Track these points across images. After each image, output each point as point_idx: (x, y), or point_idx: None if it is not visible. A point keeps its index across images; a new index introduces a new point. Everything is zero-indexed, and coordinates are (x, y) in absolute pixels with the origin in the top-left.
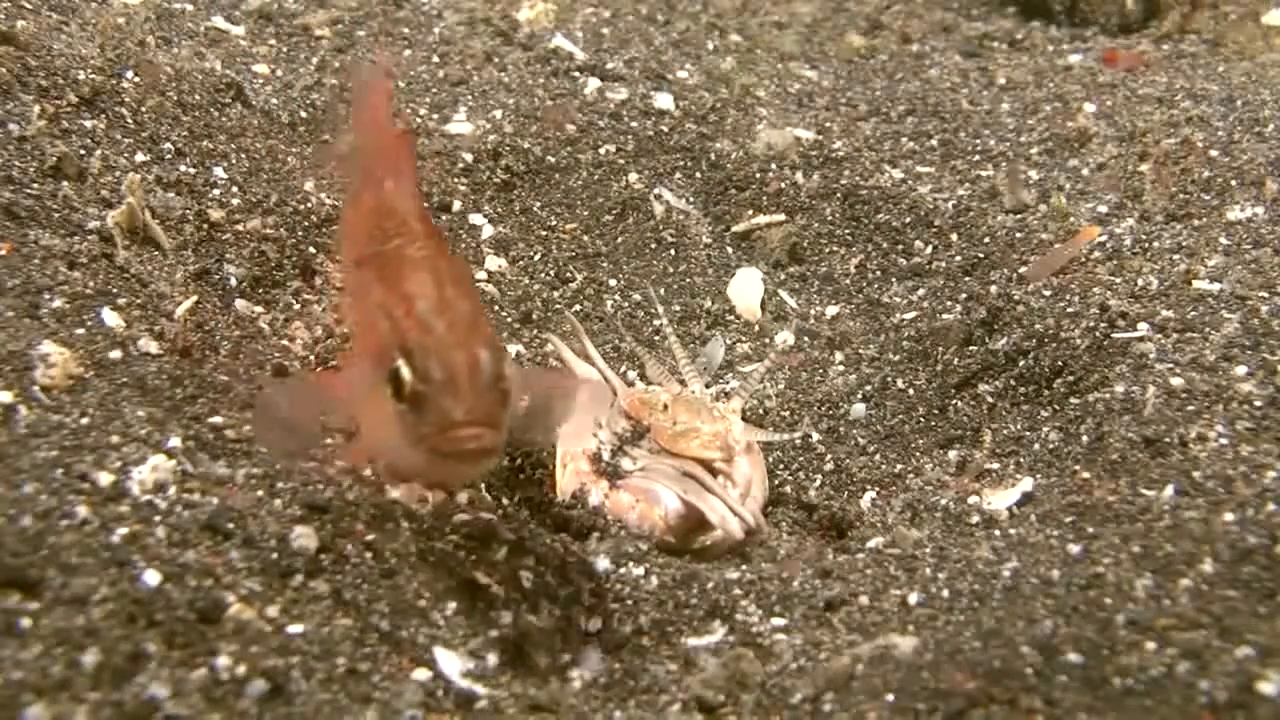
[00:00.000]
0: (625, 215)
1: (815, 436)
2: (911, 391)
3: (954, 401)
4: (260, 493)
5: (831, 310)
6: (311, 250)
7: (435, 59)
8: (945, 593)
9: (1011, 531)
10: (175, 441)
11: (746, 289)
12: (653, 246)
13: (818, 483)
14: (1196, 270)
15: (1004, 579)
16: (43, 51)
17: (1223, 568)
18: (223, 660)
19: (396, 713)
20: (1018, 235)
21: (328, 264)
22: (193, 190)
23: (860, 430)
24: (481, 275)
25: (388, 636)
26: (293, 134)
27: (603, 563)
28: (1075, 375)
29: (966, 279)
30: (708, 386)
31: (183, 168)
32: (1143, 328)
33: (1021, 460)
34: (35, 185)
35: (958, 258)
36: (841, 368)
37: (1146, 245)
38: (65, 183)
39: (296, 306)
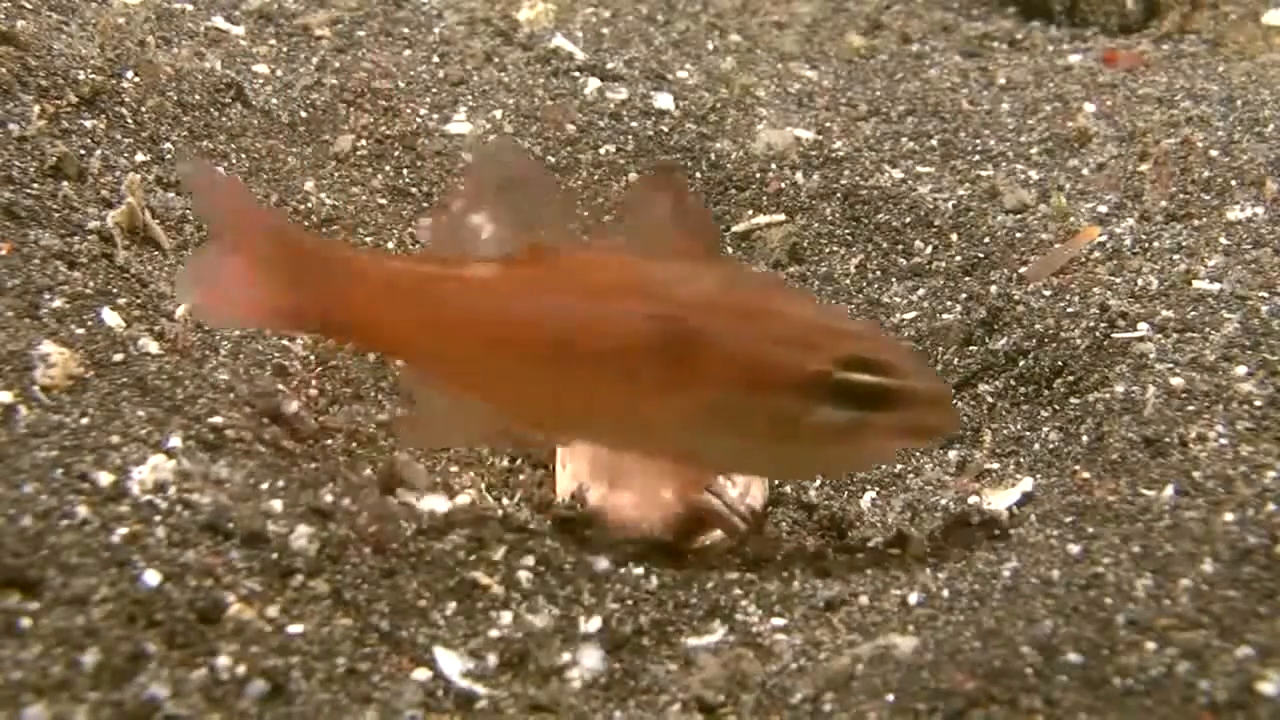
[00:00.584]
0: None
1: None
2: None
3: (954, 401)
4: (260, 493)
5: None
6: None
7: (435, 59)
8: (945, 593)
9: (1011, 531)
10: (175, 441)
11: None
12: None
13: (817, 482)
14: (1196, 270)
15: (1004, 579)
16: (43, 51)
17: (1223, 568)
18: (223, 660)
19: (396, 713)
20: (1018, 235)
21: None
22: None
23: None
24: None
25: (388, 636)
26: (293, 134)
27: (602, 563)
28: (1075, 375)
29: (966, 279)
30: None
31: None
32: (1143, 328)
33: (1021, 460)
34: (35, 185)
35: (958, 258)
36: None
37: (1146, 245)
38: (65, 183)
39: None
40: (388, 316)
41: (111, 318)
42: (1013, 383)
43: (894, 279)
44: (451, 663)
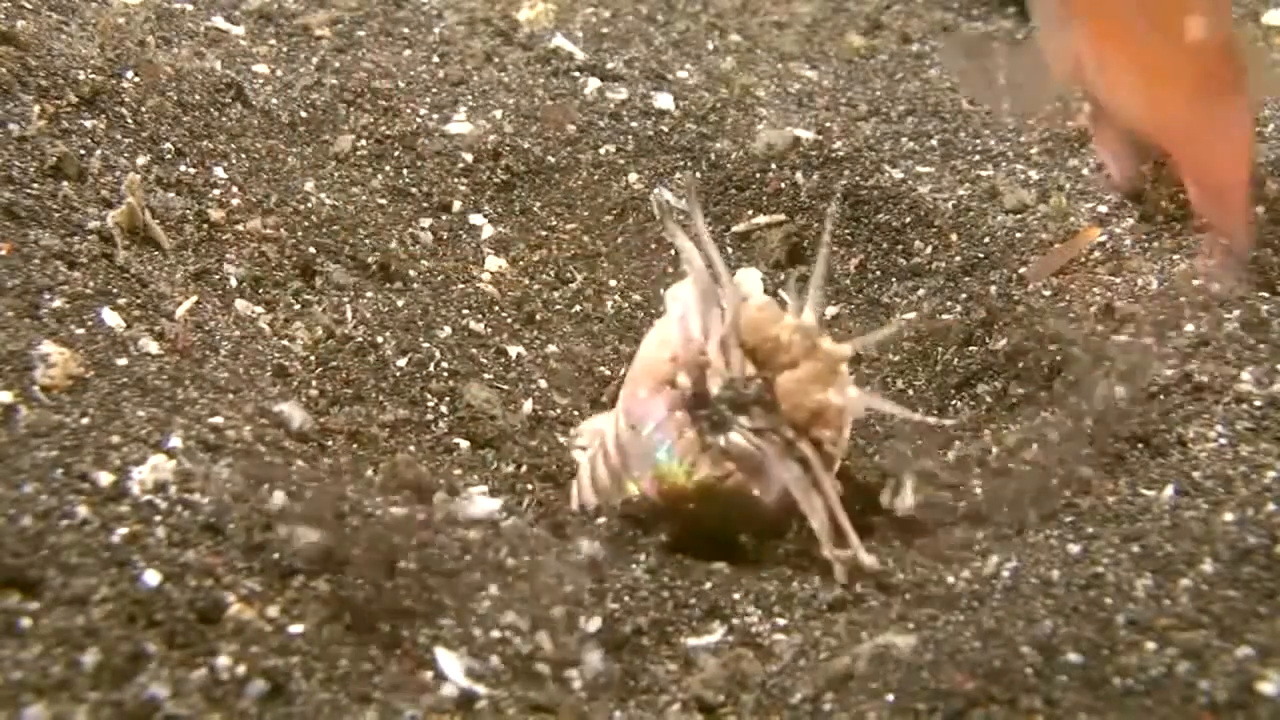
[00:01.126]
0: (625, 215)
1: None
2: (911, 391)
3: (954, 401)
4: (261, 493)
5: (831, 310)
6: (311, 250)
7: (435, 59)
8: (945, 593)
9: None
10: (175, 441)
11: (746, 289)
12: (653, 247)
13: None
14: (1196, 270)
15: (1004, 579)
16: (43, 51)
17: (1223, 568)
18: (223, 660)
19: (397, 713)
20: (1018, 235)
21: (327, 264)
22: (193, 190)
23: (859, 429)
24: (482, 275)
25: (388, 636)
26: (293, 134)
27: (601, 560)
28: (1075, 375)
29: (966, 279)
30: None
31: (183, 168)
32: (1143, 327)
33: (1022, 460)
34: (35, 185)
35: (958, 258)
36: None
37: (1146, 245)
38: (65, 183)
39: (296, 306)
40: None
41: (111, 318)
42: (1013, 383)
43: (894, 279)
44: (452, 663)
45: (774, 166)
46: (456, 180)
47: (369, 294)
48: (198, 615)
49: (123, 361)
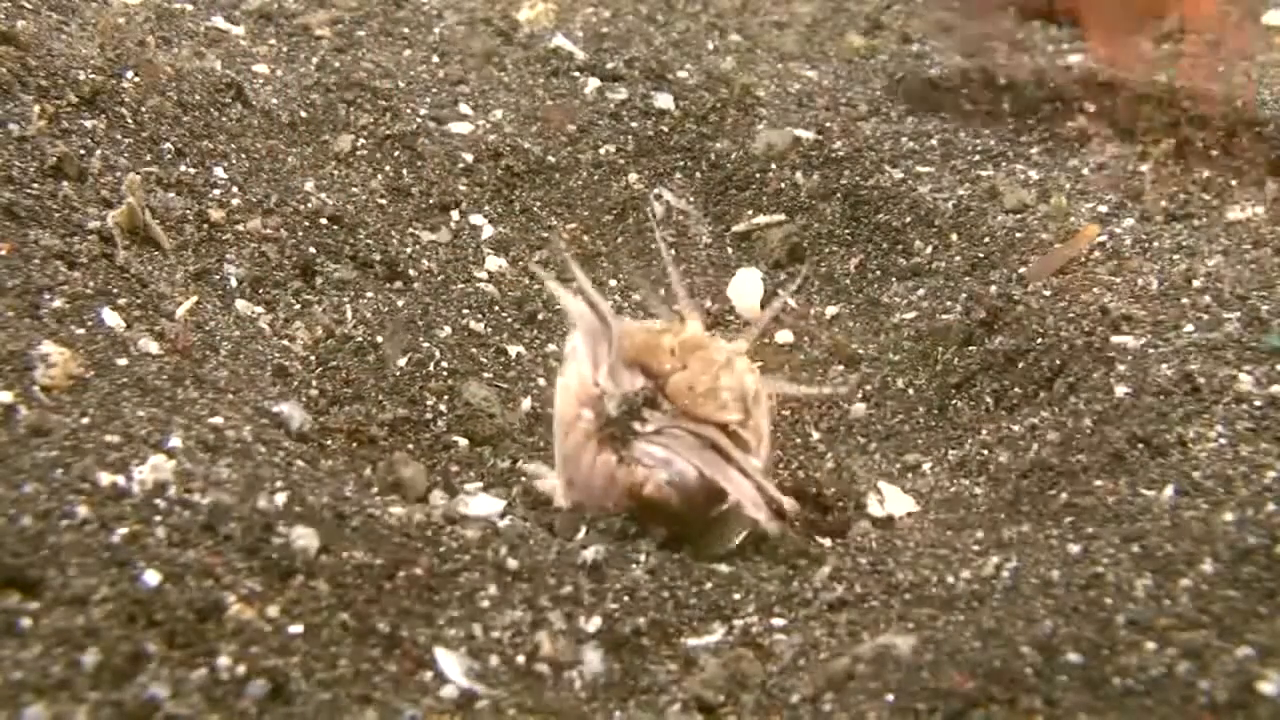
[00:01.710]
0: (625, 215)
1: (813, 392)
2: (911, 391)
3: (954, 401)
4: (261, 492)
5: (831, 310)
6: (311, 250)
7: (435, 59)
8: (945, 593)
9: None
10: (175, 441)
11: (746, 289)
12: (653, 246)
13: (818, 478)
14: (1196, 270)
15: (1004, 579)
16: (43, 51)
17: (1223, 568)
18: (223, 660)
19: (397, 713)
20: (1018, 235)
21: (327, 264)
22: (193, 190)
23: (860, 429)
24: (482, 275)
25: (388, 637)
26: (293, 134)
27: (602, 560)
28: (1075, 375)
29: (966, 279)
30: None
31: (183, 168)
32: (1143, 328)
33: (1022, 460)
34: (35, 185)
35: (958, 258)
36: (842, 367)
37: (1146, 245)
38: (65, 183)
39: (296, 306)
40: None
41: (111, 318)
42: (1013, 383)
43: (894, 279)
44: (452, 663)
45: (774, 166)
46: (456, 180)
47: (369, 294)
48: (198, 615)
49: (123, 361)
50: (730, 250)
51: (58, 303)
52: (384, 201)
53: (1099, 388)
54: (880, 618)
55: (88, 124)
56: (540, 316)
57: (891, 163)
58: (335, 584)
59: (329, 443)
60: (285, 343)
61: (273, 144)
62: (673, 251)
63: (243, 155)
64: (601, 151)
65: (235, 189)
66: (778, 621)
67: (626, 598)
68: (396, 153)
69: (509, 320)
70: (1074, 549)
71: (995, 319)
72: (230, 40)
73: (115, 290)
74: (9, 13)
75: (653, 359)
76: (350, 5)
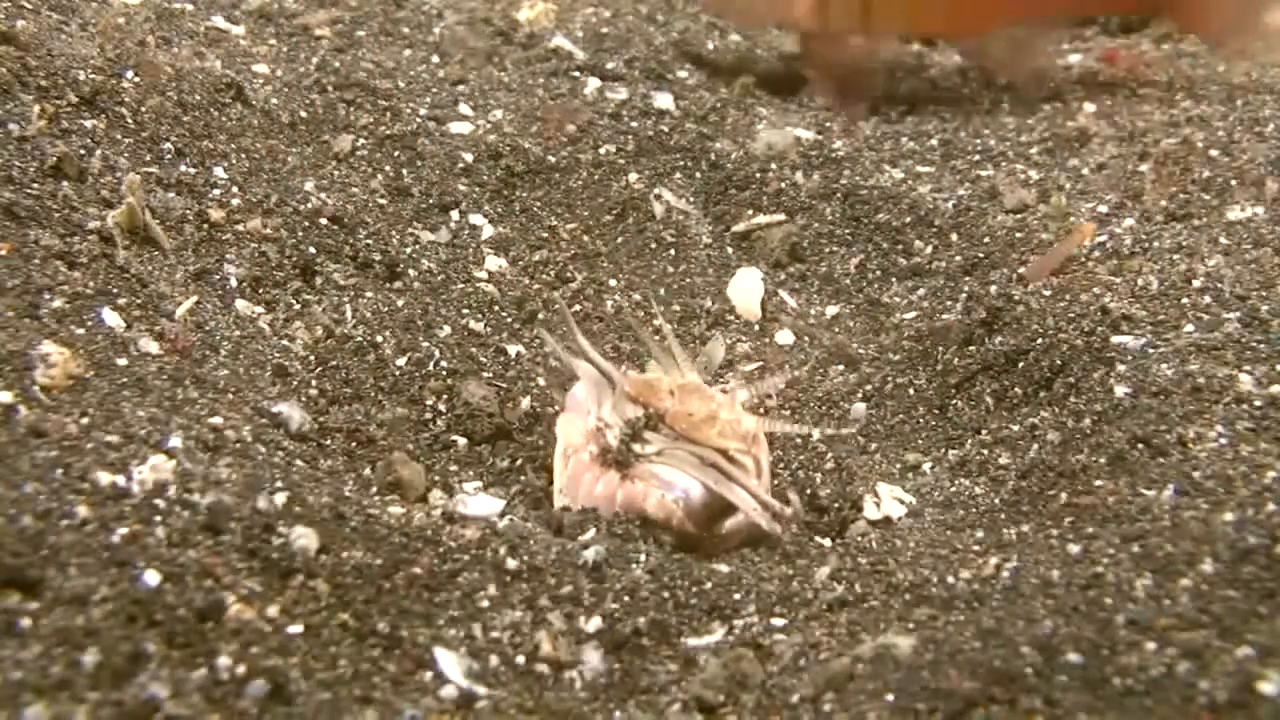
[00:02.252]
0: (625, 215)
1: (816, 435)
2: (912, 391)
3: (954, 401)
4: (261, 492)
5: (831, 310)
6: (311, 250)
7: (435, 59)
8: (945, 593)
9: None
10: (175, 441)
11: (746, 289)
12: (653, 246)
13: (818, 480)
14: (1196, 270)
15: (1004, 579)
16: (43, 51)
17: (1223, 568)
18: (223, 660)
19: (397, 713)
20: (1018, 235)
21: (327, 264)
22: (193, 190)
23: (860, 429)
24: (482, 275)
25: (388, 637)
26: (293, 134)
27: (599, 562)
28: (1075, 375)
29: (966, 279)
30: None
31: (183, 168)
32: (1143, 328)
33: (1022, 460)
34: (35, 185)
35: (958, 258)
36: (842, 367)
37: (1146, 245)
38: (65, 183)
39: (296, 306)
40: None
41: (111, 318)
42: (1013, 383)
43: (894, 279)
44: (451, 663)
45: (774, 166)
46: (456, 180)
47: (369, 294)
48: (198, 615)
49: (123, 361)
50: (730, 250)
51: (58, 303)
52: (384, 201)
53: (1099, 388)
54: (880, 618)
55: (88, 124)
56: (540, 316)
57: (891, 163)
58: (335, 584)
59: (328, 442)
60: (285, 343)
61: (273, 144)
62: (667, 326)
63: (243, 155)
64: (601, 151)
65: (235, 189)
66: (778, 621)
67: (626, 598)
68: (396, 153)
69: (509, 320)
70: (1074, 549)
71: (995, 319)
72: (230, 40)
73: (115, 290)
74: (9, 13)
75: (653, 396)
76: (350, 5)
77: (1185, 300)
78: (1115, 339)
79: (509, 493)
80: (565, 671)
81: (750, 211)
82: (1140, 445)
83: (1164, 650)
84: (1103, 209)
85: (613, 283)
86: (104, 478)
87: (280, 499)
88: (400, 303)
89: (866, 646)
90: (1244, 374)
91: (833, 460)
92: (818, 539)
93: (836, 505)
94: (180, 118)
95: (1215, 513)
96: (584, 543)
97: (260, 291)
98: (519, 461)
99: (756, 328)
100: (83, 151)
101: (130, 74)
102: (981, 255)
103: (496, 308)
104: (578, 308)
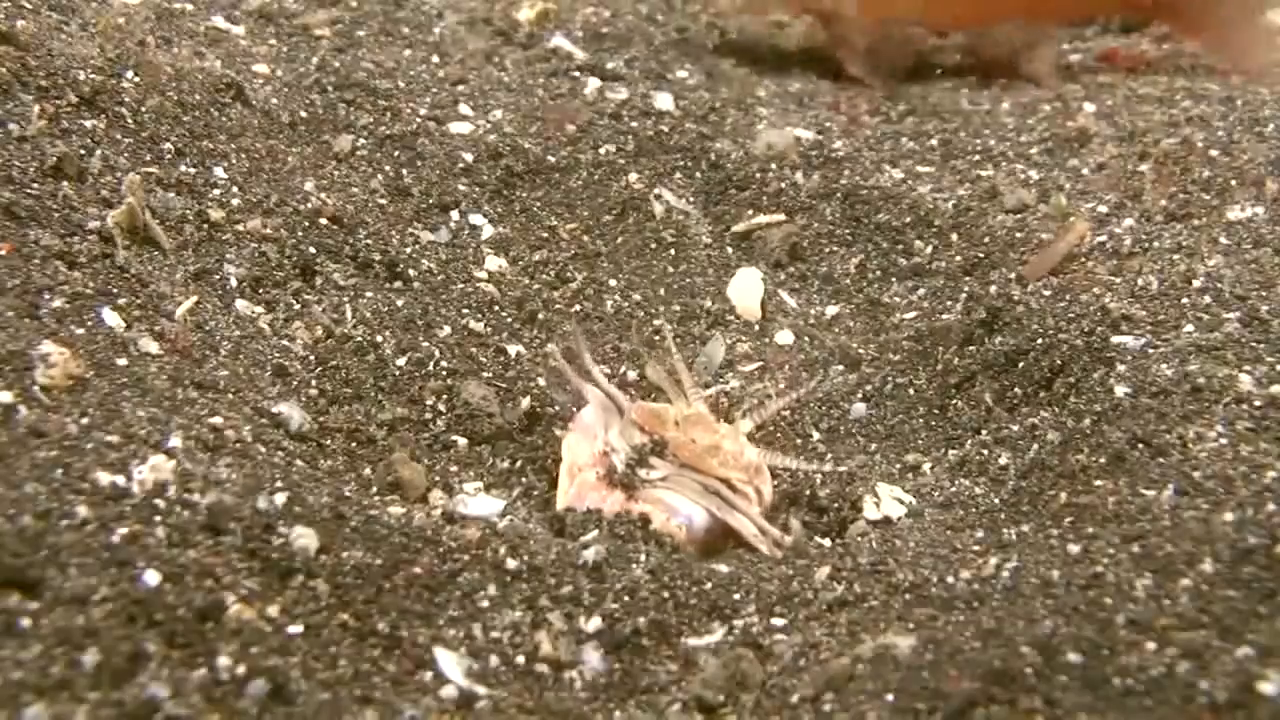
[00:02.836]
0: (625, 215)
1: (816, 470)
2: (912, 391)
3: (954, 401)
4: (261, 493)
5: (831, 310)
6: (311, 250)
7: (435, 59)
8: (945, 593)
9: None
10: (175, 441)
11: (746, 289)
12: (653, 246)
13: (818, 480)
14: (1196, 270)
15: (1004, 579)
16: (43, 51)
17: (1223, 568)
18: (223, 660)
19: (397, 713)
20: (1018, 235)
21: (327, 264)
22: (193, 190)
23: (860, 429)
24: (482, 275)
25: (388, 637)
26: (293, 134)
27: (599, 562)
28: (1075, 375)
29: (966, 279)
30: (708, 391)
31: (183, 168)
32: (1143, 328)
33: (1022, 460)
34: (35, 185)
35: (958, 258)
36: (842, 367)
37: (1146, 245)
38: (65, 183)
39: (296, 306)
40: None
41: (111, 318)
42: (1013, 383)
43: (894, 279)
44: (451, 663)
45: (774, 166)
46: (456, 180)
47: (369, 294)
48: (198, 615)
49: (123, 361)
50: (730, 250)
51: (58, 303)
52: (384, 201)
53: (1099, 388)
54: (880, 618)
55: (88, 124)
56: (540, 316)
57: (891, 163)
58: (335, 584)
59: (328, 443)
60: (285, 343)
61: (273, 144)
62: (679, 354)
63: (243, 155)
64: (601, 151)
65: (235, 189)
66: (778, 621)
67: (626, 598)
68: (396, 153)
69: (509, 320)
70: (1074, 549)
71: (995, 319)
72: (230, 40)
73: (115, 290)
74: (9, 13)
75: (659, 424)
76: (350, 5)
77: (1185, 300)
78: (1115, 339)
79: (510, 493)
80: (565, 671)
81: (750, 211)
82: (1140, 445)
83: (1164, 650)
84: (1103, 209)
85: (613, 283)
86: (104, 478)
87: (280, 499)
88: (400, 303)
89: (866, 646)
90: (1244, 374)
91: (833, 460)
92: (818, 539)
93: (836, 505)
94: (180, 118)
95: (1215, 513)
96: (584, 543)
97: (260, 291)
98: (519, 462)
99: (756, 328)
100: (83, 151)
101: (130, 74)
102: (981, 255)
103: (496, 308)
104: (578, 307)
